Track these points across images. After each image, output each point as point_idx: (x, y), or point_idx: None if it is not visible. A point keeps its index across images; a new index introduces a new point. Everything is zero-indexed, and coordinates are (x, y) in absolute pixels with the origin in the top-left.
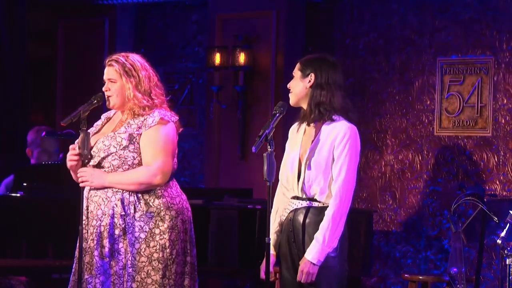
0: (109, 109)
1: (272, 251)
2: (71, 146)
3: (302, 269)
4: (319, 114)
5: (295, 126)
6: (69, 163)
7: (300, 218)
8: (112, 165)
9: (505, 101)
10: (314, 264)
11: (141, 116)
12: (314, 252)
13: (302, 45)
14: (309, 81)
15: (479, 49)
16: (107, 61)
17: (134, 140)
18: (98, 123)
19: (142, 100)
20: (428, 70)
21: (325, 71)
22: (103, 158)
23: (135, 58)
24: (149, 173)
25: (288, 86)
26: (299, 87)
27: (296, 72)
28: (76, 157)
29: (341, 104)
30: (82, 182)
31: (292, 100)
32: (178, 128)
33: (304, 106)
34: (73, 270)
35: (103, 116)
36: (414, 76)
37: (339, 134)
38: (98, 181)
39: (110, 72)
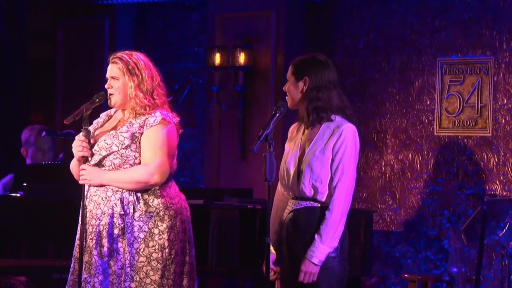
0: (109, 107)
1: (272, 250)
2: (77, 137)
3: (303, 269)
4: (317, 117)
5: (294, 126)
6: (78, 153)
7: (300, 218)
8: (114, 163)
9: (505, 101)
10: (315, 264)
11: (142, 115)
12: (314, 252)
13: (302, 45)
14: (304, 84)
15: (479, 49)
16: (110, 58)
17: (136, 139)
18: (99, 120)
19: (144, 100)
20: (428, 70)
21: (319, 72)
22: (105, 157)
23: (139, 57)
24: (147, 172)
25: (284, 89)
26: (295, 92)
27: (290, 77)
28: (86, 144)
29: (337, 103)
30: (82, 180)
31: (290, 104)
32: (179, 129)
33: (302, 108)
34: (71, 269)
35: (104, 114)
36: (414, 76)
37: (338, 134)
38: (95, 179)
39: (113, 69)
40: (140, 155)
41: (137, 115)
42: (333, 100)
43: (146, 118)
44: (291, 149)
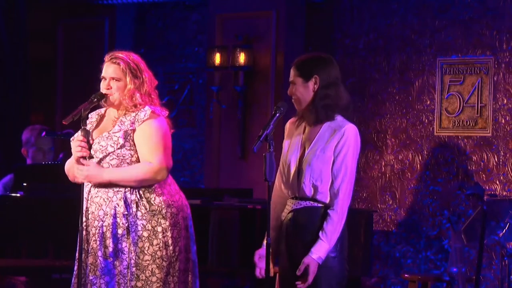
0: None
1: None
2: (75, 137)
3: (306, 262)
4: (325, 114)
5: (291, 121)
6: (77, 154)
7: (300, 218)
8: (111, 165)
9: (505, 101)
10: (317, 261)
11: (133, 112)
12: (319, 250)
13: (302, 45)
14: (315, 83)
15: (479, 49)
16: (109, 58)
17: (129, 137)
18: (91, 121)
19: (139, 99)
20: (428, 70)
21: (327, 70)
22: (101, 159)
23: (138, 58)
24: (152, 170)
25: (289, 93)
26: (305, 92)
27: (296, 78)
28: (85, 144)
29: (344, 99)
30: (82, 177)
31: (300, 107)
32: (169, 123)
33: (309, 108)
34: (75, 272)
35: (94, 114)
36: (414, 76)
37: (339, 134)
38: (95, 177)
39: (114, 70)
40: (135, 152)
41: (127, 113)
42: (341, 96)
43: (136, 114)
44: (290, 148)
